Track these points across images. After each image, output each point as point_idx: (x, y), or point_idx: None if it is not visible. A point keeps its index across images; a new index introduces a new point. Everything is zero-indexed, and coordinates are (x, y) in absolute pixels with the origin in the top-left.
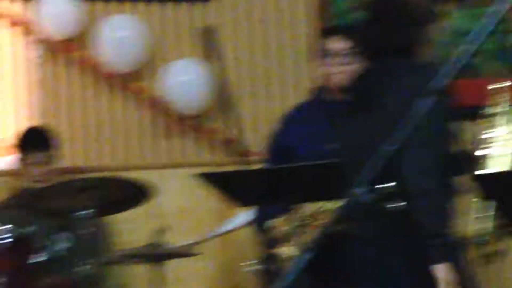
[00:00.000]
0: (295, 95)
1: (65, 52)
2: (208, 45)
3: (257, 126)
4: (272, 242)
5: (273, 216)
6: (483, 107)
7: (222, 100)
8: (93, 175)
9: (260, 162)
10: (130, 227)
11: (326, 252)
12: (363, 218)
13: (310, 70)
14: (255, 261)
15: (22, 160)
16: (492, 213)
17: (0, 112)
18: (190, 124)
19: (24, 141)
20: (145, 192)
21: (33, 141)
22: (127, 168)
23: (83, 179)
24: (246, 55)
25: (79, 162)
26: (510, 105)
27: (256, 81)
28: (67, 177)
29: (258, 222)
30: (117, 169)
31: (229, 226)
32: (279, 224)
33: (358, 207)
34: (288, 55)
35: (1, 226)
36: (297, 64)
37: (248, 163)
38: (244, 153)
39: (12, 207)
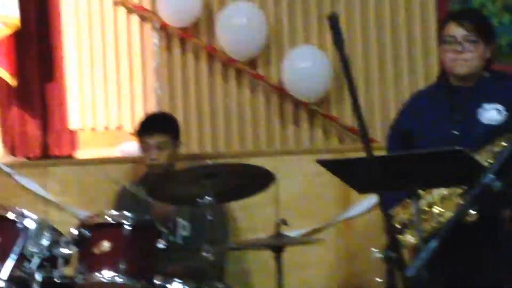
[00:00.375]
0: (424, 81)
1: (182, 40)
2: (334, 31)
3: (386, 113)
4: (395, 228)
5: (396, 202)
6: None
7: (348, 87)
8: (213, 161)
9: (380, 148)
10: (249, 213)
11: (455, 239)
12: (492, 205)
13: (439, 56)
14: (378, 248)
15: (142, 145)
16: None
17: (116, 100)
18: (308, 111)
19: (143, 125)
20: (265, 178)
21: (152, 124)
22: (243, 155)
23: (204, 166)
24: (375, 40)
25: (194, 148)
26: None
27: (385, 68)
28: (187, 164)
29: (381, 209)
30: (232, 156)
31: (350, 212)
32: (402, 210)
33: (488, 194)
34: (417, 40)
35: (122, 212)
36: (427, 50)
37: (368, 149)
38: (369, 141)
39: (133, 193)
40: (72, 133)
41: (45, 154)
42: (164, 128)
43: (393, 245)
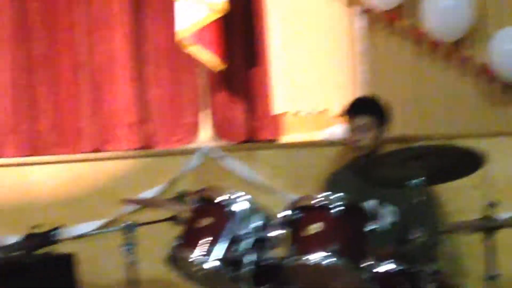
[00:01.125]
0: None
1: (388, 22)
2: None
3: None
4: None
5: None
6: None
7: None
8: (422, 143)
9: None
10: (458, 196)
11: None
12: None
13: None
14: None
15: (348, 126)
16: None
17: (321, 83)
18: None
19: (349, 106)
20: (477, 160)
21: (357, 106)
22: (451, 137)
23: (414, 148)
24: None
25: (399, 131)
26: None
27: None
28: (395, 146)
29: None
30: (440, 138)
31: None
32: None
33: None
34: None
35: (333, 195)
36: None
37: None
38: None
39: (344, 175)
40: (277, 117)
41: (250, 139)
42: (369, 110)
43: None
